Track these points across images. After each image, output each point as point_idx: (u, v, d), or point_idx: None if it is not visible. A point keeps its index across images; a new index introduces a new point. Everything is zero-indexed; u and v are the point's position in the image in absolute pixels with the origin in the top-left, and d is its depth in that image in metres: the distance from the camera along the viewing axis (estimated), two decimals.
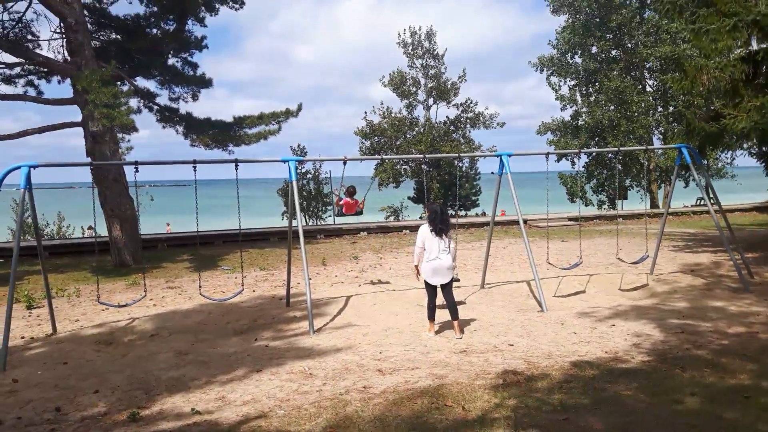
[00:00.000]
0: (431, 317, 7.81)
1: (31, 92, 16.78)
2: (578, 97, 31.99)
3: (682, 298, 9.96)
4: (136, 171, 8.44)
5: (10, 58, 16.10)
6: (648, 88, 32.23)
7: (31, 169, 8.07)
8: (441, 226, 7.69)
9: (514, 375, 5.95)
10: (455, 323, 7.67)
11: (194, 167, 8.69)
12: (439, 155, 27.20)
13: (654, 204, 32.52)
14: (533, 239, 19.44)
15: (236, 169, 8.94)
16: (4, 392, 6.39)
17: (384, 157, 9.15)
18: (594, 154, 32.17)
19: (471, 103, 30.04)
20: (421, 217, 31.42)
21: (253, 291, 12.08)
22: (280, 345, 7.78)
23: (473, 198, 32.70)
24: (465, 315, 8.82)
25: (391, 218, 28.85)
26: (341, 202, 10.81)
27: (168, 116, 17.36)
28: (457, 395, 5.40)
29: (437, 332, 7.89)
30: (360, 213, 11.20)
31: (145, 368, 6.99)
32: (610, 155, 32.43)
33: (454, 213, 32.51)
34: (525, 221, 23.83)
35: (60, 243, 19.68)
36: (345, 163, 9.31)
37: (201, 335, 8.92)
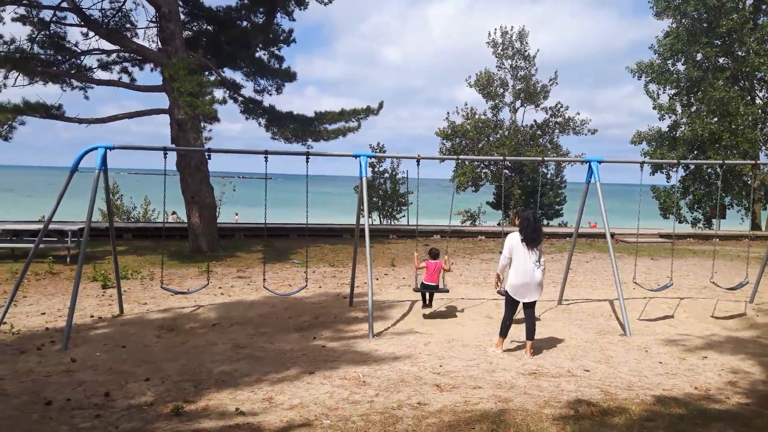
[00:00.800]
0: (504, 333, 7.20)
1: (125, 79, 17.41)
2: (678, 107, 29.90)
3: None
4: (209, 158, 8.37)
5: (107, 45, 16.79)
6: (758, 100, 29.72)
7: (107, 150, 8.14)
8: (533, 236, 7.00)
9: (588, 406, 5.29)
10: (528, 343, 7.04)
11: (265, 157, 8.52)
12: (520, 158, 26.13)
13: (756, 226, 29.97)
14: (620, 255, 18.26)
15: (307, 161, 8.70)
16: (60, 371, 6.41)
17: (460, 157, 8.64)
18: (692, 168, 30.04)
19: (561, 107, 28.79)
20: (499, 224, 30.49)
21: (320, 287, 11.87)
22: (337, 346, 7.45)
23: (557, 207, 31.34)
24: (538, 333, 8.11)
25: (468, 223, 28.13)
26: (422, 265, 9.18)
27: (251, 108, 17.56)
28: (520, 424, 4.84)
29: (506, 350, 7.29)
30: (444, 289, 9.46)
31: (200, 359, 6.84)
32: (709, 170, 30.22)
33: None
34: (612, 235, 22.52)
35: (143, 226, 20.39)
36: (418, 162, 8.87)
37: (261, 328, 8.75)
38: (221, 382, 6.04)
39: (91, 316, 9.25)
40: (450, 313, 9.65)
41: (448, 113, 28.58)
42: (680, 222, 29.96)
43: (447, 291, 9.60)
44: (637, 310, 10.19)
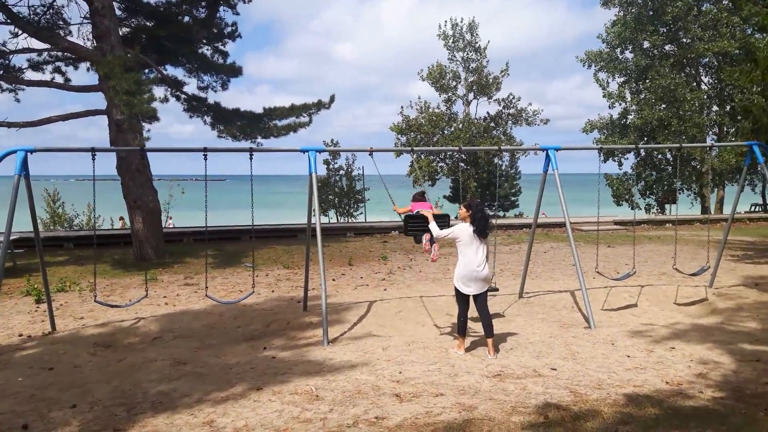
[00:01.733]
0: (461, 332, 6.80)
1: (59, 79, 16.36)
2: (627, 95, 30.29)
3: (751, 317, 8.71)
4: (142, 158, 7.68)
5: (39, 44, 15.73)
6: (703, 86, 30.35)
7: (28, 153, 7.40)
8: (485, 225, 6.65)
9: (558, 410, 4.92)
10: (489, 341, 6.65)
11: (204, 155, 7.90)
12: (475, 148, 25.87)
13: (705, 209, 30.66)
14: (578, 244, 18.03)
15: (251, 158, 8.12)
16: None
17: (414, 149, 8.14)
18: (643, 154, 30.47)
19: (513, 98, 28.74)
20: (456, 217, 30.33)
21: (272, 291, 11.28)
22: (289, 357, 6.91)
23: (512, 198, 31.34)
24: (500, 329, 7.80)
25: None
26: (407, 208, 8.07)
27: (195, 106, 16.75)
28: None
29: (467, 350, 6.88)
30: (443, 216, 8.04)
31: (135, 379, 6.21)
32: (659, 156, 30.72)
33: (492, 213, 31.31)
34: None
35: (86, 234, 19.31)
36: (371, 155, 8.38)
37: (207, 340, 8.13)
38: (158, 404, 5.43)
39: (20, 335, 8.45)
40: (409, 311, 9.22)
41: (402, 107, 28.25)
42: (633, 208, 30.34)
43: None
44: (600, 300, 9.98)
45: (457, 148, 8.57)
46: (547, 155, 8.87)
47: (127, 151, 7.09)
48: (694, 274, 10.03)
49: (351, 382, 5.80)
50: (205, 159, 7.91)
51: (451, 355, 6.70)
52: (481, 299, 6.70)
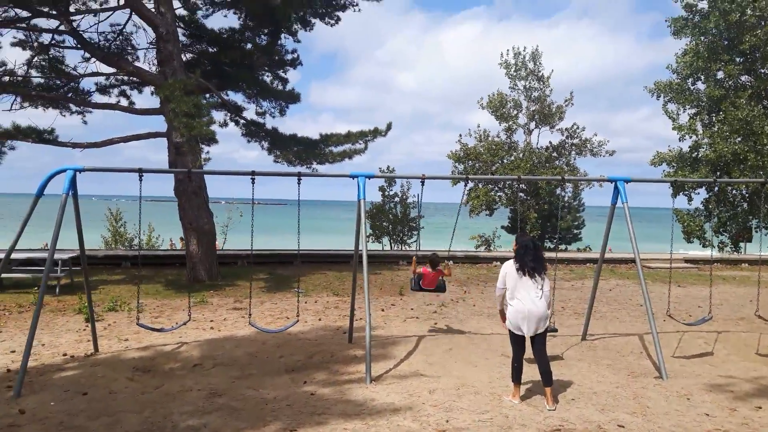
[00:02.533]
0: (516, 378, 6.21)
1: (124, 102, 16.83)
2: (699, 127, 28.78)
3: None
4: (189, 179, 7.53)
5: (106, 69, 16.26)
6: None
7: (77, 173, 7.36)
8: (532, 264, 6.13)
9: None
10: (547, 390, 6.02)
11: (252, 179, 7.69)
12: (537, 177, 24.93)
13: None
14: (646, 283, 17.12)
15: (299, 182, 7.85)
16: (3, 425, 5.50)
17: (468, 177, 7.71)
18: (716, 189, 28.80)
19: (577, 128, 27.81)
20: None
21: (319, 319, 10.92)
22: (329, 394, 6.47)
23: (575, 231, 30.16)
24: (561, 375, 7.13)
25: (482, 248, 27.07)
26: (419, 271, 9.09)
27: (254, 131, 16.86)
28: None
29: (523, 398, 6.26)
30: (441, 287, 9.34)
31: (168, 410, 5.91)
32: (733, 191, 28.96)
33: (552, 246, 30.17)
34: (635, 261, 21.27)
35: (143, 254, 19.61)
36: (423, 182, 7.97)
37: (247, 369, 7.80)
38: None
39: (64, 354, 8.37)
40: (461, 349, 8.63)
41: (460, 135, 27.79)
42: (704, 246, 28.64)
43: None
44: (671, 346, 9.11)
45: (516, 177, 8.03)
46: (616, 187, 8.22)
47: (173, 172, 7.04)
48: None
49: (392, 429, 5.31)
50: (253, 182, 7.70)
51: (504, 404, 6.10)
52: (538, 342, 6.11)
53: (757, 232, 29.16)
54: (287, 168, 16.32)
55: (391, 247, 26.27)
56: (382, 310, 11.80)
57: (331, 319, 10.96)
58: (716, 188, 28.66)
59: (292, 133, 16.62)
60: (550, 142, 28.60)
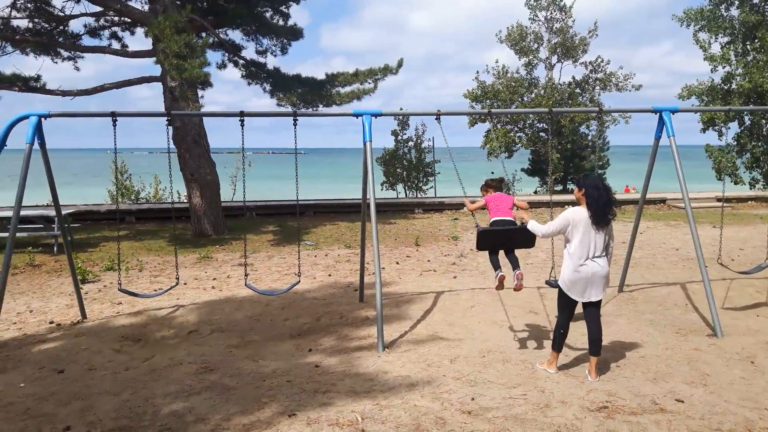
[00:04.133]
0: (557, 347, 5.29)
1: (116, 45, 15.72)
2: (732, 57, 26.89)
3: None
4: (168, 124, 6.57)
5: (94, 8, 15.07)
6: None
7: (42, 119, 6.43)
8: (605, 210, 5.00)
9: None
10: (593, 360, 5.10)
11: (241, 120, 6.70)
12: (571, 110, 23.33)
13: None
14: (677, 223, 16.08)
15: (295, 123, 6.83)
16: None
17: (491, 111, 6.62)
18: (747, 123, 27.16)
19: (602, 61, 26.05)
20: (535, 192, 28.20)
21: (329, 275, 10.11)
22: (336, 365, 5.66)
23: (599, 171, 28.78)
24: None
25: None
26: (479, 204, 6.27)
27: (254, 72, 15.70)
28: None
29: (561, 367, 5.38)
30: (528, 238, 5.75)
31: (150, 390, 5.14)
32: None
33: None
34: (664, 201, 20.05)
35: (148, 208, 18.90)
36: (439, 119, 6.91)
37: (248, 335, 7.03)
38: (165, 431, 4.32)
39: (51, 322, 7.65)
40: (484, 306, 7.77)
41: (477, 72, 26.18)
42: (736, 183, 27.23)
43: (531, 243, 5.86)
44: (718, 296, 8.12)
45: (546, 109, 6.92)
46: (661, 118, 7.10)
47: (149, 115, 6.17)
48: None
49: (408, 411, 4.47)
50: (242, 124, 6.71)
51: (538, 374, 5.23)
52: (593, 308, 5.15)
53: None
54: (280, 108, 15.18)
55: (406, 195, 25.28)
56: (397, 263, 10.94)
57: (342, 275, 10.15)
58: (747, 121, 27.08)
59: (296, 74, 15.46)
60: (573, 77, 26.96)
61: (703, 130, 27.91)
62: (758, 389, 4.84)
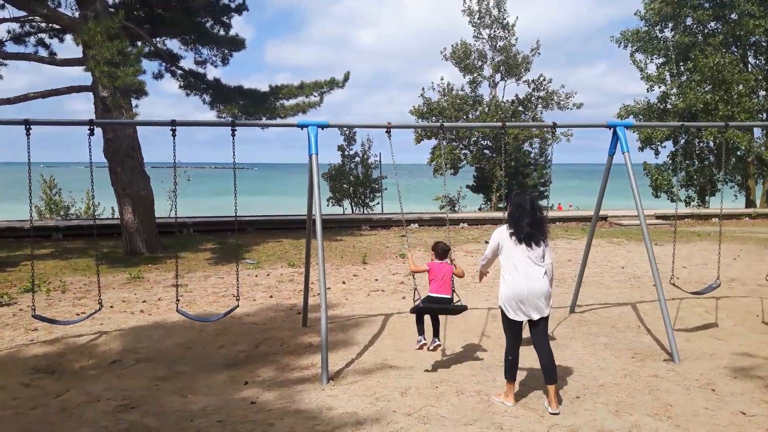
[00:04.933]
0: (511, 376, 4.93)
1: (43, 53, 14.70)
2: (667, 77, 27.89)
3: None
4: (91, 132, 5.92)
5: (17, 13, 14.05)
6: (750, 68, 27.86)
7: None
8: (530, 230, 4.83)
9: None
10: (551, 389, 4.77)
11: (173, 130, 6.12)
12: (524, 124, 23.55)
13: (750, 202, 28.34)
14: (619, 240, 16.23)
15: (233, 134, 6.31)
16: None
17: (444, 125, 6.31)
18: (682, 142, 28.18)
19: (544, 80, 26.51)
20: (480, 209, 28.28)
21: (270, 296, 9.53)
22: (274, 401, 5.11)
23: (542, 189, 29.19)
24: (555, 359, 5.92)
25: (447, 209, 25.93)
26: (422, 268, 5.86)
27: (192, 83, 14.99)
28: None
29: (518, 397, 5.02)
30: (461, 306, 5.75)
31: None
32: (700, 143, 28.42)
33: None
34: (605, 218, 20.31)
35: (77, 224, 17.76)
36: (389, 132, 6.51)
37: (177, 365, 6.39)
38: None
39: None
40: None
41: (423, 89, 26.21)
42: (672, 201, 28.10)
43: (465, 308, 5.78)
44: (670, 317, 8.03)
45: (499, 124, 6.64)
46: (615, 133, 6.95)
47: (69, 123, 5.55)
48: None
49: None
50: (174, 135, 6.12)
51: (495, 407, 4.85)
52: (539, 329, 4.85)
53: (724, 186, 28.79)
54: (218, 119, 14.51)
55: (353, 211, 24.86)
56: (343, 283, 10.46)
57: (284, 296, 9.58)
58: (682, 140, 28.09)
59: (237, 85, 14.84)
60: (516, 95, 27.33)
61: (641, 149, 28.81)
62: (724, 421, 4.61)
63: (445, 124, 6.91)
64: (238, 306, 6.51)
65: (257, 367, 6.22)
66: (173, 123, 6.10)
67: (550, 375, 4.74)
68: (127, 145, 13.48)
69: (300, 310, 8.02)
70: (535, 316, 4.78)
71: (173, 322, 7.85)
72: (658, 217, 21.45)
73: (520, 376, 5.32)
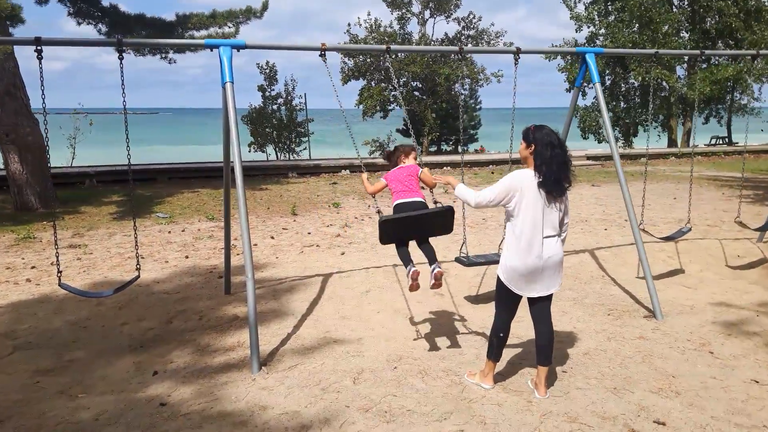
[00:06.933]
0: (494, 355, 3.98)
1: None
2: (596, 17, 27.53)
3: None
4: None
5: None
6: (674, 9, 27.91)
7: None
8: (559, 177, 3.68)
9: None
10: (542, 372, 3.87)
11: (37, 49, 4.61)
12: (483, 49, 22.31)
13: (671, 142, 28.96)
14: None
15: (121, 61, 4.89)
16: None
17: (390, 48, 5.15)
18: (608, 83, 28.25)
19: (473, 17, 25.46)
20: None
21: (186, 257, 8.22)
22: (191, 400, 3.99)
23: (471, 132, 28.61)
24: (520, 321, 5.07)
25: (377, 153, 24.85)
26: (379, 185, 4.61)
27: (83, 9, 12.85)
28: None
29: (497, 379, 4.12)
30: (445, 207, 4.42)
31: None
32: (627, 86, 28.57)
33: (449, 149, 28.49)
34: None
35: None
36: (324, 54, 5.25)
37: (68, 351, 5.10)
38: None
39: None
40: (381, 290, 6.38)
41: (349, 25, 24.56)
42: (600, 142, 28.26)
43: (451, 211, 4.40)
44: (629, 263, 7.45)
45: (457, 48, 5.50)
46: (585, 61, 6.02)
47: None
48: (761, 229, 7.58)
49: None
50: (39, 56, 4.62)
51: (471, 391, 3.93)
52: (544, 304, 3.88)
53: (648, 125, 29.17)
54: (102, 38, 12.58)
55: (278, 157, 23.30)
56: (272, 238, 9.27)
57: (202, 255, 8.30)
58: (609, 81, 28.12)
59: (139, 13, 12.87)
60: (446, 33, 26.20)
61: (568, 90, 28.59)
62: (740, 394, 3.90)
63: (393, 46, 5.72)
64: (138, 277, 5.20)
65: (169, 349, 5.04)
66: (37, 41, 4.60)
67: (546, 355, 3.84)
68: (6, 82, 11.45)
69: (222, 273, 6.79)
70: (545, 292, 3.80)
71: (65, 294, 6.45)
72: (589, 157, 21.30)
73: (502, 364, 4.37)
